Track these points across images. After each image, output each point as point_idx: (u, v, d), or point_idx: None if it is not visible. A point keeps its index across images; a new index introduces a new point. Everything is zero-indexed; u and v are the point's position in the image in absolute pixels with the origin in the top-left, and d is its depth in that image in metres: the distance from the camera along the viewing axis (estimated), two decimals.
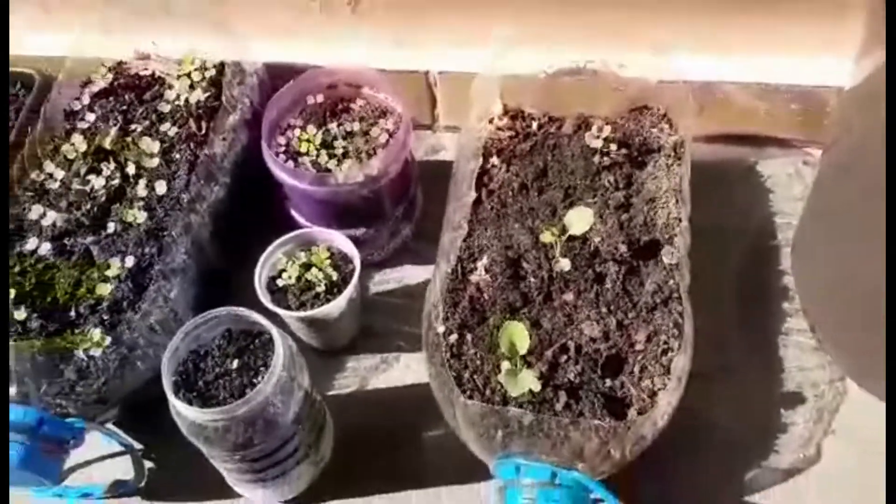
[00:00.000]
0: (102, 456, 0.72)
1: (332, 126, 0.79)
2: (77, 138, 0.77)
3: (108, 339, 0.66)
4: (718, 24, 0.82)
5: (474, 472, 0.67)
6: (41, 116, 0.80)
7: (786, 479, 0.68)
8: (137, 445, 0.71)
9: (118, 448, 0.70)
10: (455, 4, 0.84)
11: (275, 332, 0.61)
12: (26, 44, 0.92)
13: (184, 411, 0.58)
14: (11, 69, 0.89)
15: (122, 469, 0.71)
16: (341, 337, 0.77)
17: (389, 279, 0.83)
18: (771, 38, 0.83)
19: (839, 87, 0.80)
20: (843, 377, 0.74)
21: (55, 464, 0.64)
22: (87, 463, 0.73)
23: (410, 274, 0.84)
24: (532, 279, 0.70)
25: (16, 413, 0.62)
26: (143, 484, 0.69)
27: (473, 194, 0.72)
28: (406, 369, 0.78)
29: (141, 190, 0.73)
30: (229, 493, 0.70)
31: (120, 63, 0.86)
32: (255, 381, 0.61)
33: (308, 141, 0.77)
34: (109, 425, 0.69)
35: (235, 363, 0.62)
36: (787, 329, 0.77)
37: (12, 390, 0.64)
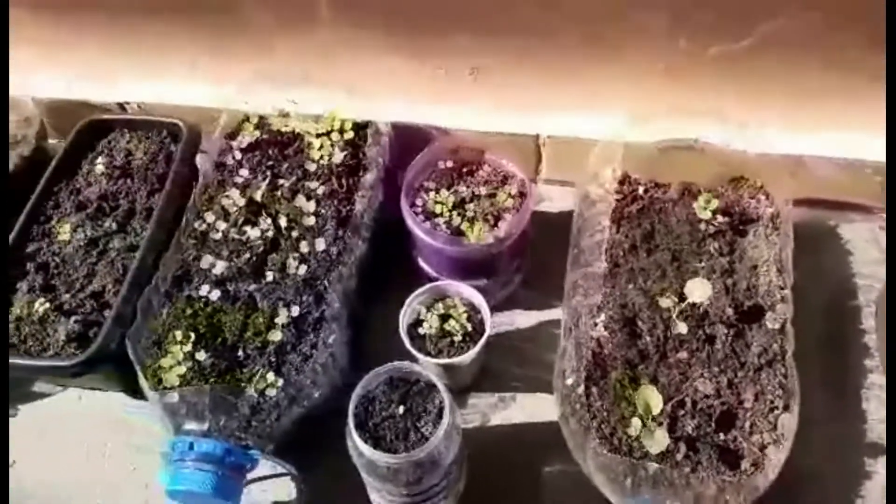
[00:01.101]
0: (256, 478, 0.83)
1: (461, 188, 0.90)
2: (234, 192, 0.88)
3: (280, 381, 0.77)
4: (808, 105, 0.93)
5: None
6: (201, 171, 0.92)
7: None
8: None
9: (270, 471, 0.82)
10: (564, 79, 0.95)
11: (440, 386, 0.71)
12: (167, 95, 1.04)
13: (367, 453, 0.68)
14: (159, 118, 1.00)
15: (272, 490, 0.83)
16: (467, 378, 0.88)
17: (501, 323, 0.94)
18: (855, 118, 0.93)
19: None
20: None
21: (237, 488, 0.75)
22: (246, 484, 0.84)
23: (520, 319, 0.95)
24: (648, 337, 0.81)
25: (207, 445, 0.73)
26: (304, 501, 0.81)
27: (604, 266, 0.83)
28: (522, 409, 0.88)
29: (303, 247, 0.83)
30: None
31: (261, 118, 0.97)
32: (417, 423, 0.72)
33: (442, 203, 0.88)
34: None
35: (401, 409, 0.73)
36: (869, 384, 0.87)
37: (194, 426, 0.76)
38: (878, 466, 0.81)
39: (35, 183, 0.94)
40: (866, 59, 0.85)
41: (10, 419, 0.90)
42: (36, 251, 0.90)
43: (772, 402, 0.76)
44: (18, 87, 1.01)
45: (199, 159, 0.95)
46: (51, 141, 1.06)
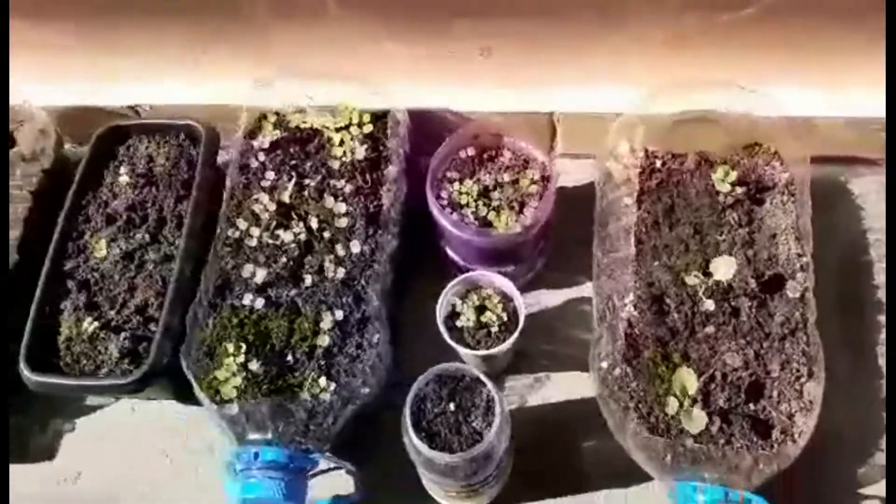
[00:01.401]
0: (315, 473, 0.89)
1: (484, 176, 0.92)
2: (263, 196, 0.90)
3: (332, 385, 0.81)
4: (814, 67, 0.94)
5: (630, 477, 0.84)
6: (228, 176, 0.93)
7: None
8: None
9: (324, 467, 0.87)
10: (574, 55, 0.96)
11: (490, 385, 0.76)
12: (176, 95, 1.04)
13: (425, 452, 0.73)
14: (175, 121, 1.00)
15: (327, 485, 0.87)
16: (504, 363, 0.93)
17: (529, 304, 0.95)
18: (859, 77, 0.94)
19: None
20: None
21: (302, 489, 0.80)
22: None
23: (545, 300, 0.99)
24: (676, 314, 0.85)
25: (272, 454, 0.78)
26: (359, 498, 0.87)
27: (633, 250, 0.86)
28: (557, 388, 0.93)
29: (339, 249, 0.86)
30: (431, 500, 0.86)
31: (279, 115, 0.97)
32: (468, 418, 0.77)
33: (467, 193, 0.90)
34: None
35: (452, 405, 0.77)
36: (883, 340, 0.93)
37: (256, 435, 0.80)
38: None
39: (60, 196, 0.96)
40: (866, 18, 0.86)
41: (69, 433, 0.95)
42: (74, 268, 0.92)
43: (797, 370, 0.81)
44: (26, 96, 1.01)
45: (221, 159, 0.97)
46: (67, 146, 1.06)
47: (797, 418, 0.78)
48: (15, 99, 1.00)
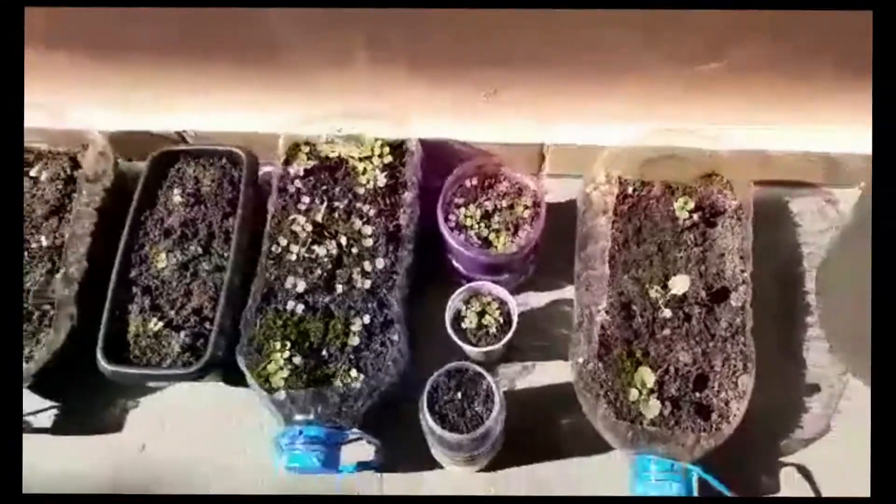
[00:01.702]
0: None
1: (484, 202, 1.10)
2: (300, 218, 1.08)
3: (361, 376, 1.00)
4: (774, 110, 1.12)
5: (598, 449, 1.05)
6: (270, 199, 1.10)
7: (806, 445, 1.07)
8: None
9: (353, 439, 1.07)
10: (563, 97, 1.13)
11: (489, 378, 0.95)
12: (221, 123, 1.21)
13: (438, 431, 0.93)
14: (218, 147, 1.17)
15: (351, 452, 1.08)
16: (499, 355, 1.12)
17: (519, 304, 1.14)
18: (809, 118, 1.13)
19: (856, 153, 1.12)
20: (846, 372, 1.11)
21: (337, 458, 1.00)
22: None
23: (533, 301, 1.18)
24: (640, 319, 1.05)
25: (313, 431, 0.97)
26: (381, 463, 1.07)
27: (608, 270, 1.05)
28: (542, 374, 1.13)
29: (366, 265, 1.05)
30: (437, 465, 1.07)
31: (311, 145, 1.14)
32: (471, 404, 0.96)
33: (471, 217, 1.08)
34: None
35: (458, 394, 0.96)
36: (809, 337, 1.13)
37: (300, 416, 0.99)
38: (814, 403, 1.09)
39: (122, 212, 1.13)
40: (823, 75, 1.05)
41: (134, 410, 1.14)
42: (138, 276, 1.10)
43: (735, 366, 1.01)
44: (84, 122, 1.17)
45: (261, 179, 1.15)
46: (120, 161, 1.23)
47: (732, 405, 0.99)
48: (76, 125, 1.17)
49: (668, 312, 1.03)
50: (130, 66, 1.11)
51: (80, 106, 1.15)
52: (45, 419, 1.13)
